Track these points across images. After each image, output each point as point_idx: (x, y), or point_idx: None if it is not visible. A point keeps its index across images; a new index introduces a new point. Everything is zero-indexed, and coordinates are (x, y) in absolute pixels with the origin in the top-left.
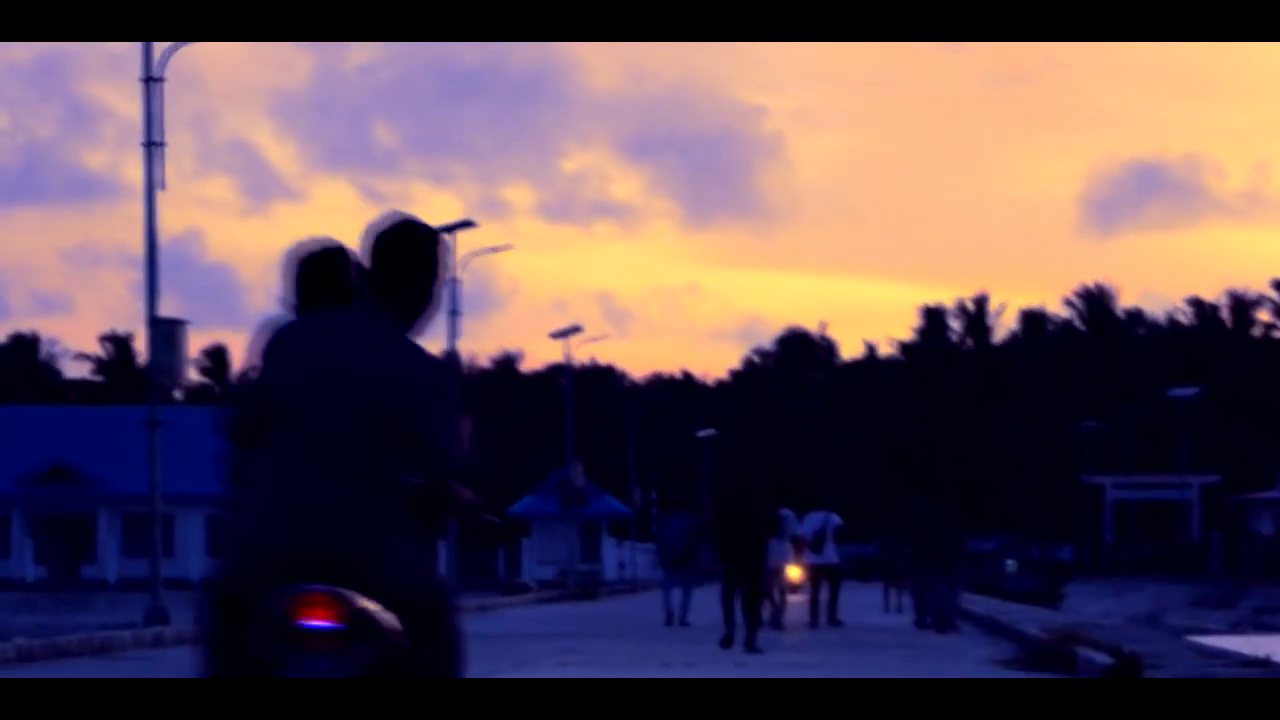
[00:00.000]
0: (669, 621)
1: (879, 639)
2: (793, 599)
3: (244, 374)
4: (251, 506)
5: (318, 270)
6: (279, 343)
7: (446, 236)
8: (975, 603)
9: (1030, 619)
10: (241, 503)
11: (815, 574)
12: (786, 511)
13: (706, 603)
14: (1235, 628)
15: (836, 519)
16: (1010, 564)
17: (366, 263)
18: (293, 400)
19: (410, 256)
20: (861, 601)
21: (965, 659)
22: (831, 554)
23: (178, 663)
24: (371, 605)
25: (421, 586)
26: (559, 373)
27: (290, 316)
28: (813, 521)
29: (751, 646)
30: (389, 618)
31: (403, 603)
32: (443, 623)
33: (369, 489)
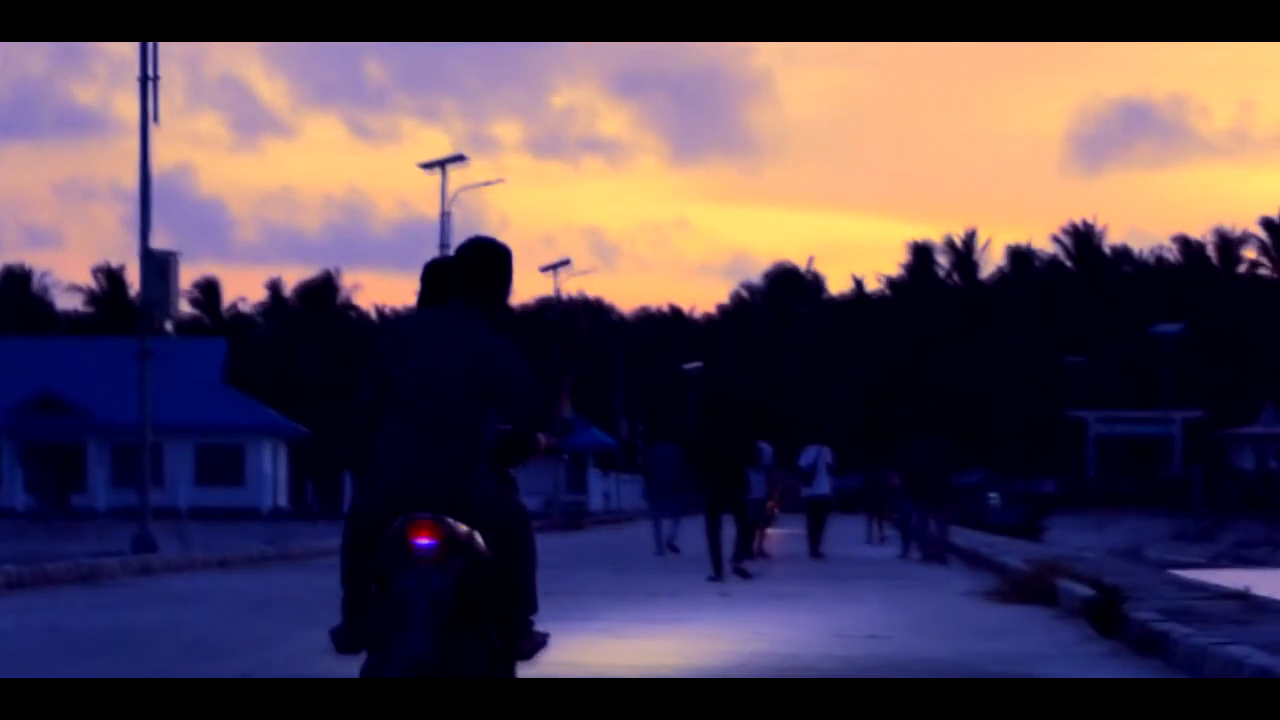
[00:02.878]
0: (660, 551)
1: (861, 570)
2: (771, 532)
3: (369, 360)
4: (380, 459)
5: (434, 278)
6: (398, 335)
7: (437, 171)
8: (958, 535)
9: (1012, 551)
10: (373, 455)
11: (810, 506)
12: (764, 445)
13: (696, 532)
14: (1215, 561)
15: (829, 453)
16: (993, 497)
17: (457, 272)
18: (408, 377)
19: (488, 266)
20: (845, 533)
21: (946, 590)
22: (822, 486)
23: (164, 589)
24: (465, 528)
25: (503, 514)
26: (547, 306)
27: (408, 314)
28: (806, 455)
29: (740, 570)
30: (478, 538)
31: (489, 526)
32: (519, 540)
33: (465, 443)
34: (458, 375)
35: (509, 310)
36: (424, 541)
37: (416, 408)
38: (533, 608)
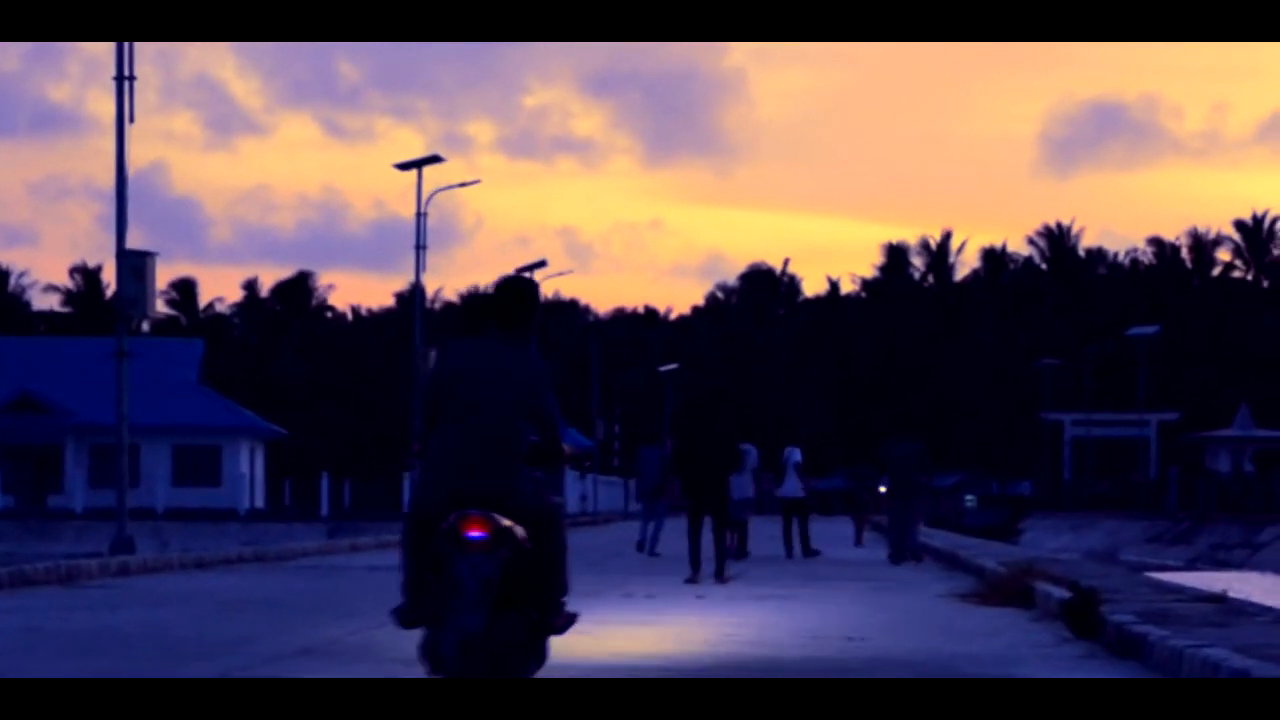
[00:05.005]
0: (640, 548)
1: (839, 571)
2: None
3: (427, 379)
4: (435, 463)
5: (476, 308)
6: (451, 358)
7: (412, 171)
8: (935, 537)
9: (989, 553)
10: (430, 460)
11: (781, 507)
12: (748, 446)
13: (677, 536)
14: (1192, 563)
15: (798, 453)
16: (970, 499)
17: (496, 306)
18: (459, 394)
19: (521, 301)
20: (829, 535)
21: (924, 592)
22: (793, 487)
23: (142, 590)
24: (508, 522)
25: (539, 510)
26: None
27: (458, 339)
28: (783, 455)
29: (721, 576)
30: (520, 530)
31: (528, 520)
32: (553, 532)
33: (508, 450)
34: (505, 394)
35: (536, 333)
36: (475, 533)
37: (469, 420)
38: (564, 590)
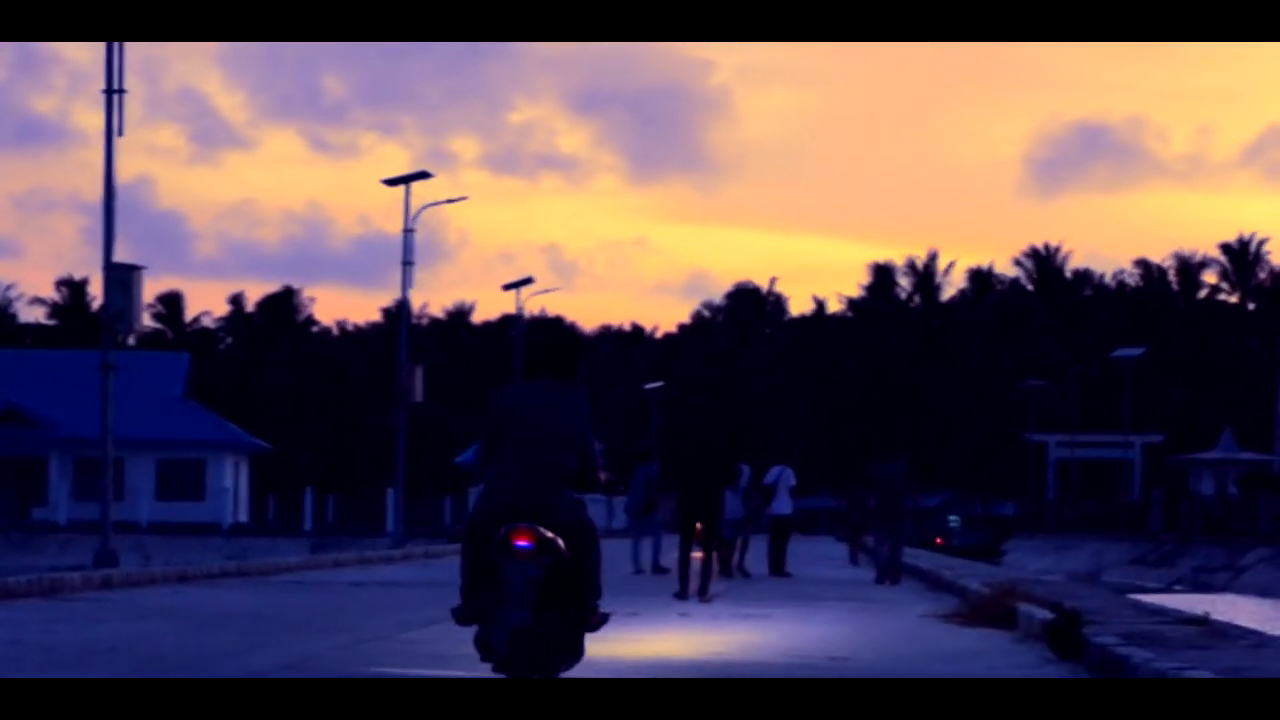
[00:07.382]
0: (638, 570)
1: (824, 591)
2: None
3: (488, 413)
4: (492, 484)
5: (532, 355)
6: (510, 397)
7: (398, 186)
8: (918, 557)
9: (972, 574)
10: (489, 482)
11: (771, 525)
12: (742, 466)
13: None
14: (1174, 586)
15: (791, 474)
16: (954, 520)
17: (548, 352)
18: (515, 427)
19: (570, 349)
20: (816, 554)
21: (907, 612)
22: (784, 506)
23: (125, 604)
24: (551, 534)
25: (578, 524)
26: (510, 324)
27: (515, 381)
28: (771, 474)
29: (705, 594)
30: (560, 541)
31: (567, 532)
32: (589, 544)
33: (553, 475)
34: (553, 429)
35: (582, 376)
36: (522, 542)
37: (522, 448)
38: (598, 593)
